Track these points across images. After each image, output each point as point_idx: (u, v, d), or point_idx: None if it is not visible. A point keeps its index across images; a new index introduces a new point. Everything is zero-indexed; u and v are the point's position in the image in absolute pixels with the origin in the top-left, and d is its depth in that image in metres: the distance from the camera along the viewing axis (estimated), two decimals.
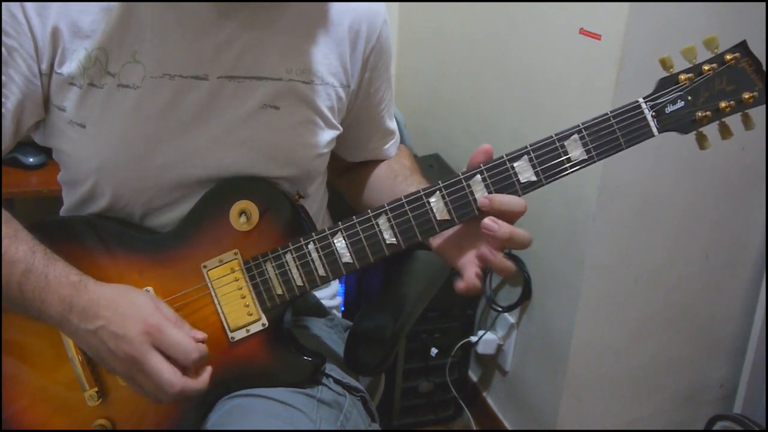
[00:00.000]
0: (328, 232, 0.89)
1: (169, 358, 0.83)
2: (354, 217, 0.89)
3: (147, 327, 0.82)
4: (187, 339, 0.84)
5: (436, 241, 0.94)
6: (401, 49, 2.27)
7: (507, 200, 0.85)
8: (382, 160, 1.14)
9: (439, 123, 2.12)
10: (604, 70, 1.42)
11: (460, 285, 0.88)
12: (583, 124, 0.85)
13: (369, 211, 0.88)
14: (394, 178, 1.08)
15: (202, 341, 0.86)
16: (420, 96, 2.20)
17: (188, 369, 0.84)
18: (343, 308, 1.30)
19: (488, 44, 1.83)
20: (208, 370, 0.87)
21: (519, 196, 0.86)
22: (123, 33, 0.87)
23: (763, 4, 1.43)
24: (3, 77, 0.86)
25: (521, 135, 1.72)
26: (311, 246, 0.89)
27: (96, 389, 0.91)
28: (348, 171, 1.17)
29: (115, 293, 0.85)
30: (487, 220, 0.83)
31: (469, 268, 0.88)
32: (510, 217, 0.84)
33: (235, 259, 0.91)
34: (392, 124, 1.13)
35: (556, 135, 0.85)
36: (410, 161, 1.14)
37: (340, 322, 1.18)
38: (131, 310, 0.83)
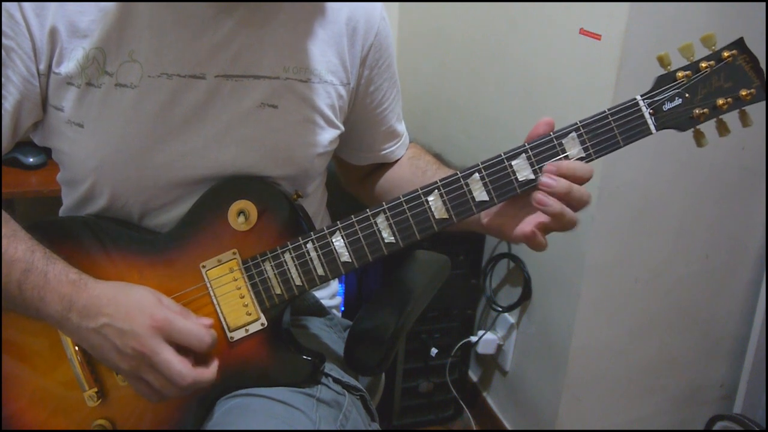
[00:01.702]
0: (326, 232, 0.89)
1: (180, 351, 0.83)
2: (352, 216, 0.89)
3: (155, 321, 0.82)
4: (198, 326, 0.84)
5: (485, 220, 0.93)
6: (401, 49, 2.27)
7: (573, 165, 0.84)
8: (393, 163, 1.12)
9: (439, 123, 2.12)
10: (604, 70, 1.42)
11: (526, 229, 0.86)
12: (581, 122, 0.85)
13: (367, 210, 0.88)
14: (423, 174, 1.06)
15: (210, 326, 0.86)
16: (420, 96, 2.20)
17: (195, 360, 0.85)
18: (343, 308, 1.29)
19: (488, 44, 1.83)
20: (215, 361, 0.87)
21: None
22: (120, 32, 0.87)
23: (763, 3, 1.43)
24: (2, 78, 0.86)
25: (521, 135, 1.70)
26: (310, 245, 0.89)
27: (95, 389, 0.91)
28: (365, 179, 1.16)
29: (116, 290, 0.85)
30: (544, 177, 0.83)
31: (527, 226, 0.86)
32: (579, 182, 0.85)
33: (234, 258, 0.91)
34: (399, 126, 1.11)
35: (554, 133, 0.86)
36: (431, 155, 1.12)
37: (339, 321, 1.17)
38: (135, 305, 0.83)
